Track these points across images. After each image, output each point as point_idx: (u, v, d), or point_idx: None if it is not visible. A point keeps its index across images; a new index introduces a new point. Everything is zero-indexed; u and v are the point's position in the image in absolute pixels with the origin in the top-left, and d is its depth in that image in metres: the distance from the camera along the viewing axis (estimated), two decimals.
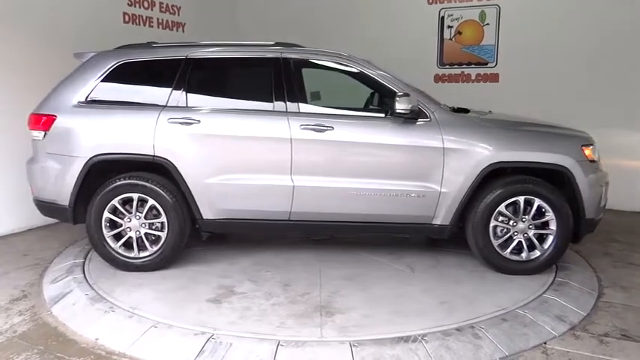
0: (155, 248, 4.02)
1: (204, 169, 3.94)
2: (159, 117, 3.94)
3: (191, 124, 3.92)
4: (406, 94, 3.81)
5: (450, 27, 7.01)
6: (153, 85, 4.18)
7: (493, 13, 6.72)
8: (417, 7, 7.13)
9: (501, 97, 6.51)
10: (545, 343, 3.07)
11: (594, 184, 3.93)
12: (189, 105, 4.02)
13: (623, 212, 5.81)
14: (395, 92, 3.90)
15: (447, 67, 7.07)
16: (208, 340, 2.97)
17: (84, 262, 4.24)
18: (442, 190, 3.89)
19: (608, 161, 4.39)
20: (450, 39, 7.02)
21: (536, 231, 3.92)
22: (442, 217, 3.96)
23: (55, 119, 4.02)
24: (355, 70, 4.11)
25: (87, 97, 4.06)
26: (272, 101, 4.02)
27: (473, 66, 6.93)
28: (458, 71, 7.01)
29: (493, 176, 3.90)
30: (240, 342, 2.95)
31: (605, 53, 6.18)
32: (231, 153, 3.97)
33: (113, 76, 4.11)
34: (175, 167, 3.92)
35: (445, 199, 3.90)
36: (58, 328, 3.29)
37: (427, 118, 3.92)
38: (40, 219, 5.37)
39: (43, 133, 4.06)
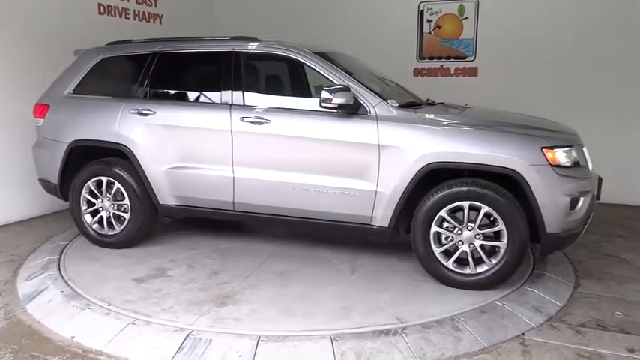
0: (120, 228, 4.37)
1: (157, 158, 4.19)
2: (123, 107, 4.28)
3: (148, 114, 4.20)
4: (343, 88, 3.61)
5: (429, 21, 7.03)
6: (125, 78, 4.57)
7: (472, 7, 6.75)
8: (397, 1, 7.13)
9: (480, 91, 6.54)
10: (523, 334, 3.11)
11: (558, 192, 3.38)
12: (150, 97, 4.32)
13: (597, 205, 5.91)
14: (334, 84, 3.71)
15: (427, 60, 7.09)
16: (187, 336, 2.95)
17: (59, 259, 4.17)
18: (378, 189, 3.66)
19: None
20: (430, 33, 7.05)
21: (485, 242, 3.50)
22: (380, 218, 3.72)
23: (48, 108, 4.55)
24: (299, 62, 4.02)
25: (74, 89, 4.56)
26: (220, 94, 4.11)
27: (452, 60, 6.96)
28: (437, 65, 7.03)
29: (450, 178, 3.58)
30: (219, 338, 2.93)
31: (583, 47, 6.26)
32: (179, 143, 4.15)
33: (96, 71, 4.56)
34: (133, 154, 4.23)
35: (382, 200, 3.67)
36: (33, 326, 3.23)
37: (366, 112, 3.70)
38: (15, 215, 5.30)
39: (42, 120, 4.58)
